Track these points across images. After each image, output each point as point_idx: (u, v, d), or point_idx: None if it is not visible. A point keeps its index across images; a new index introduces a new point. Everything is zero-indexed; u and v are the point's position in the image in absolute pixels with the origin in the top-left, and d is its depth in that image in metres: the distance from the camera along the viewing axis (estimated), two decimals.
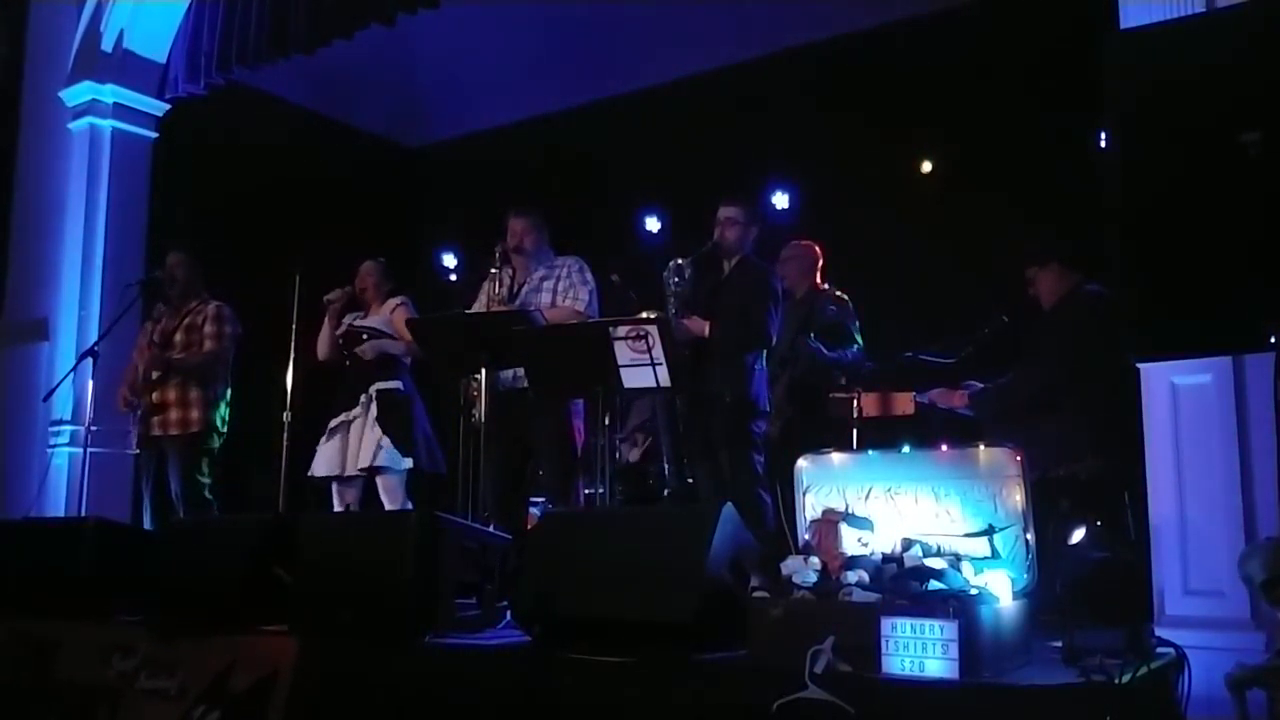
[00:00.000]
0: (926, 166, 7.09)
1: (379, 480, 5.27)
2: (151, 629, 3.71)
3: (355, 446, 5.28)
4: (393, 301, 5.50)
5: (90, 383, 5.94)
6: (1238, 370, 3.45)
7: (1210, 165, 2.06)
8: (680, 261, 4.85)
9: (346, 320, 5.52)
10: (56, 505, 6.49)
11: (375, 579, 3.32)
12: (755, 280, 4.84)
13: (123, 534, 4.56)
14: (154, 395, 5.63)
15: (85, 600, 4.03)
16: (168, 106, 7.24)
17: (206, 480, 5.66)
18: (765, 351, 4.87)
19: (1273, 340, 2.04)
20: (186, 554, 3.92)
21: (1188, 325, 2.17)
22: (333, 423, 5.36)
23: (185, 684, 3.49)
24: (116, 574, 4.08)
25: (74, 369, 6.27)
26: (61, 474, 6.60)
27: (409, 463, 5.26)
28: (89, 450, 6.07)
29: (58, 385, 6.37)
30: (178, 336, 5.73)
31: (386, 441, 5.22)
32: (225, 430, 5.76)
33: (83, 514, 5.91)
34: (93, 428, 5.99)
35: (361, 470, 5.24)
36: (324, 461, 5.33)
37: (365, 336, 5.40)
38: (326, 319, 5.51)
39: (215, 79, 6.91)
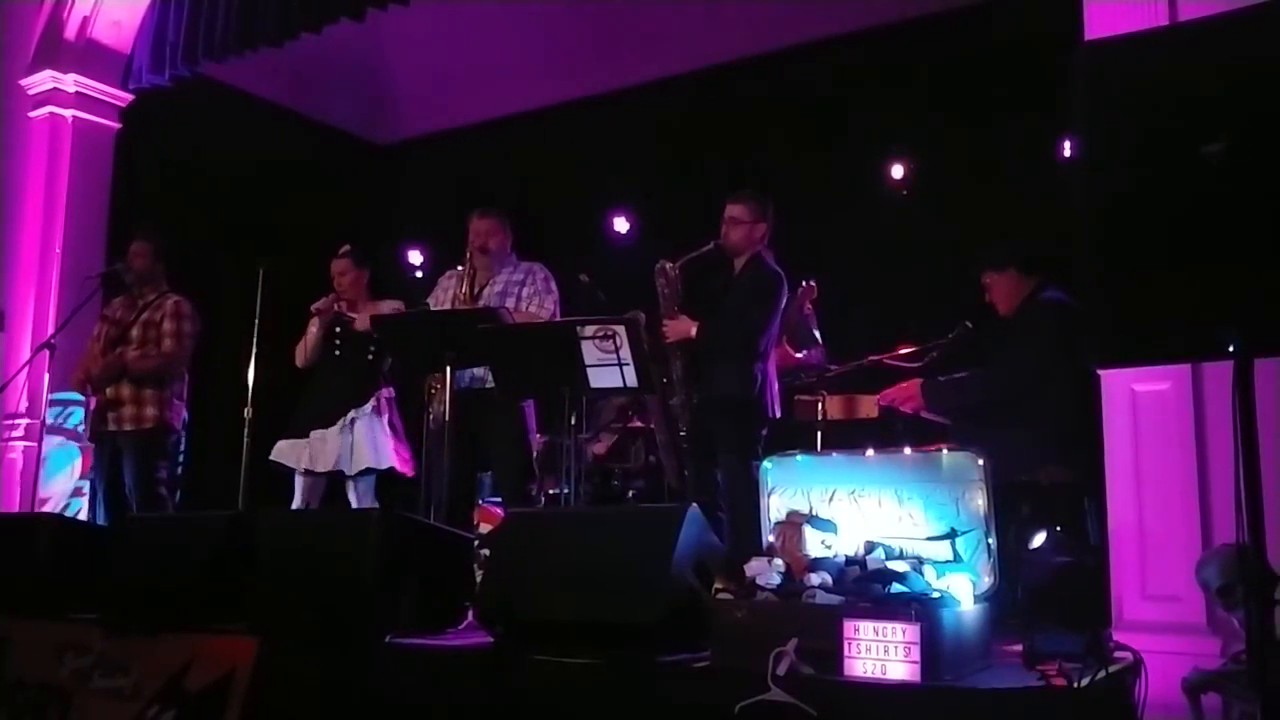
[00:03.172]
0: (896, 172, 7.10)
1: (360, 482, 5.24)
2: (106, 627, 3.65)
3: (364, 445, 5.21)
4: (390, 303, 5.38)
5: (46, 376, 5.85)
6: (1196, 378, 3.50)
7: (1173, 175, 2.08)
8: (668, 264, 4.80)
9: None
10: (10, 501, 6.40)
11: (336, 578, 3.29)
12: (759, 286, 4.71)
13: (78, 531, 4.50)
14: (108, 391, 5.46)
15: (38, 598, 3.96)
16: (131, 97, 7.15)
17: (162, 477, 5.55)
18: (768, 358, 4.74)
19: (1231, 349, 2.06)
20: (143, 551, 3.86)
21: (1149, 333, 2.19)
22: (342, 419, 5.24)
23: (140, 683, 3.44)
24: (71, 571, 4.01)
25: (29, 362, 6.17)
26: (15, 469, 6.50)
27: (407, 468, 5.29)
28: (44, 445, 5.98)
29: (12, 378, 6.27)
30: (134, 331, 5.52)
31: (398, 446, 5.24)
32: (181, 428, 5.67)
33: (36, 510, 5.83)
34: (48, 422, 5.90)
35: (373, 470, 5.22)
36: (328, 455, 5.22)
37: (372, 349, 5.32)
38: (314, 327, 5.38)
39: (180, 70, 6.84)
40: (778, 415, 4.73)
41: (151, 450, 5.47)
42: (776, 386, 4.76)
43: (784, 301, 4.80)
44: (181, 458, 6.80)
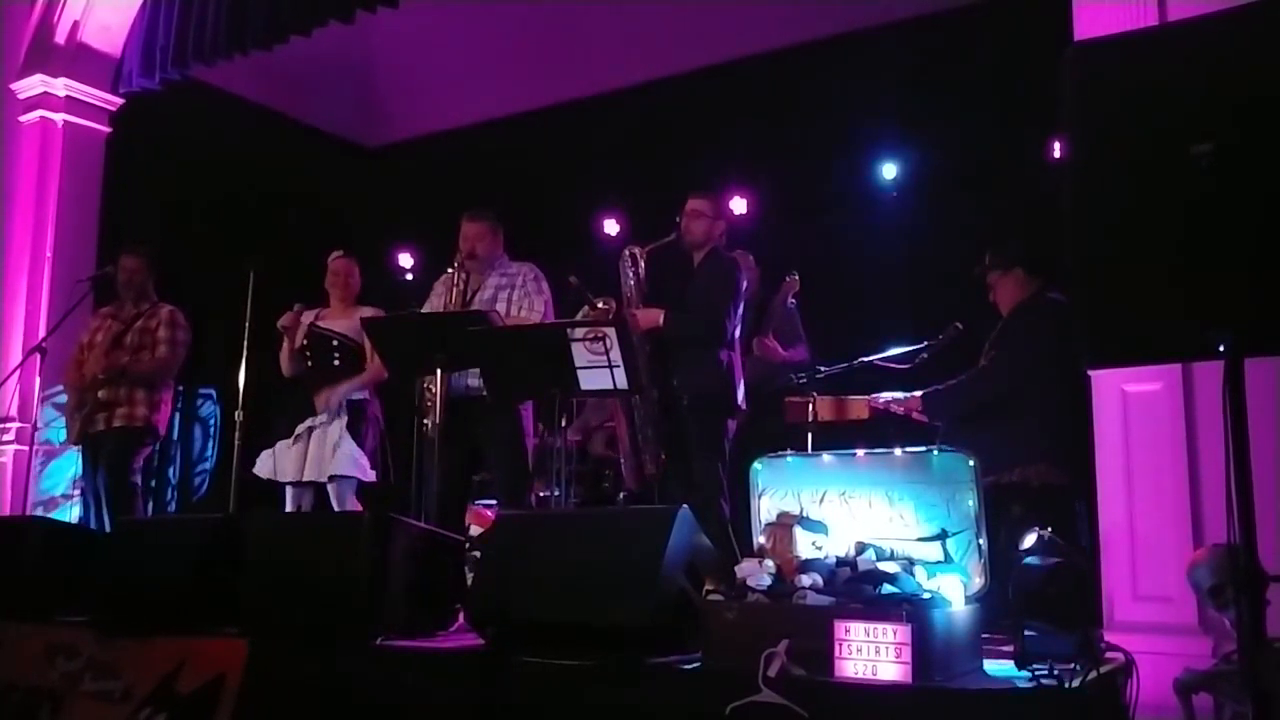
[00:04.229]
0: (887, 173, 7.09)
1: (333, 487, 5.23)
2: (97, 630, 3.64)
3: (320, 453, 5.20)
4: (365, 309, 5.36)
5: (38, 380, 5.84)
6: (1187, 378, 3.51)
7: (1163, 176, 2.09)
8: (637, 250, 4.82)
9: (307, 316, 5.44)
10: (1, 504, 6.38)
11: (326, 580, 3.28)
12: (719, 272, 4.77)
13: (68, 534, 4.49)
14: (100, 393, 5.50)
15: (28, 601, 3.95)
16: (121, 101, 7.14)
17: (136, 467, 5.58)
18: (735, 346, 4.77)
19: (1221, 349, 2.07)
20: (134, 554, 3.85)
21: (1139, 333, 2.19)
22: (299, 428, 5.26)
23: (131, 686, 3.43)
24: (61, 574, 4.01)
25: (20, 365, 6.15)
26: (6, 472, 6.47)
27: (373, 475, 5.24)
28: (35, 448, 5.96)
29: (3, 382, 6.25)
30: (128, 338, 5.61)
31: (357, 453, 5.20)
32: (164, 432, 5.69)
33: (27, 513, 5.82)
34: (39, 425, 5.88)
35: (330, 478, 5.19)
36: (288, 466, 5.25)
37: (335, 343, 5.33)
38: (285, 341, 5.41)
39: (171, 74, 6.84)
40: (744, 407, 4.75)
41: (130, 450, 5.53)
42: (742, 378, 4.77)
43: (744, 288, 4.84)
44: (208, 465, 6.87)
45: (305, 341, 5.38)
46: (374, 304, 5.51)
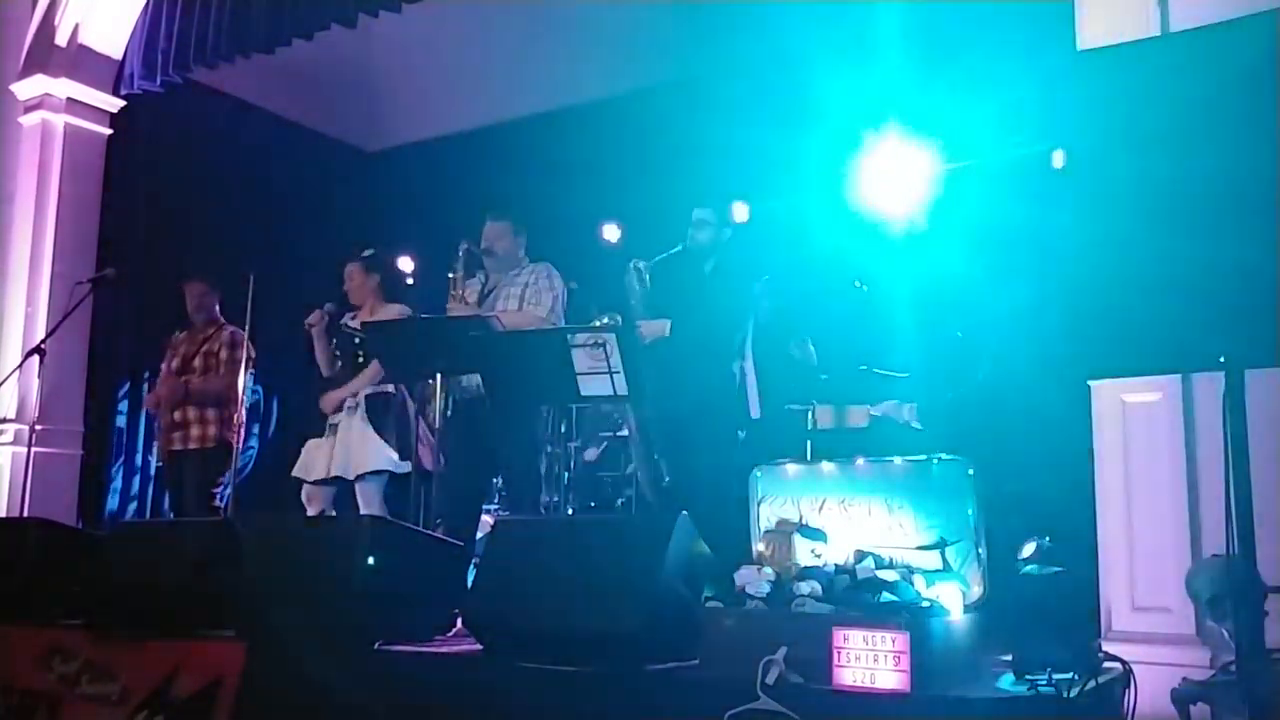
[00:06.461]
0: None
1: (360, 486, 5.21)
2: (93, 633, 3.63)
3: (344, 451, 5.21)
4: (396, 307, 5.42)
5: (36, 381, 5.84)
6: (1186, 389, 3.51)
7: (1165, 186, 2.09)
8: (641, 264, 4.83)
9: (344, 319, 5.49)
10: None
11: (325, 585, 3.27)
12: (728, 282, 4.78)
13: (65, 536, 4.47)
14: (174, 414, 5.77)
15: (25, 602, 3.94)
16: (123, 103, 7.13)
17: (219, 491, 5.74)
18: (744, 356, 4.78)
19: (1221, 360, 2.07)
20: (131, 557, 3.84)
21: (1139, 344, 2.19)
22: (326, 425, 5.35)
23: (127, 689, 3.42)
24: (58, 576, 3.99)
25: (19, 367, 6.15)
26: (4, 474, 6.46)
27: (406, 465, 5.20)
28: (33, 450, 5.96)
29: (2, 383, 6.24)
30: (196, 361, 5.89)
31: (380, 445, 5.18)
32: (244, 447, 5.78)
33: (24, 515, 5.81)
34: (38, 427, 5.88)
35: (356, 476, 5.18)
36: (315, 463, 5.29)
37: (358, 341, 5.35)
38: (316, 341, 5.46)
39: (172, 77, 6.82)
40: (757, 415, 4.75)
41: (211, 467, 5.75)
42: (755, 386, 4.76)
43: (753, 298, 4.84)
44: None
45: (334, 340, 5.43)
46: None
